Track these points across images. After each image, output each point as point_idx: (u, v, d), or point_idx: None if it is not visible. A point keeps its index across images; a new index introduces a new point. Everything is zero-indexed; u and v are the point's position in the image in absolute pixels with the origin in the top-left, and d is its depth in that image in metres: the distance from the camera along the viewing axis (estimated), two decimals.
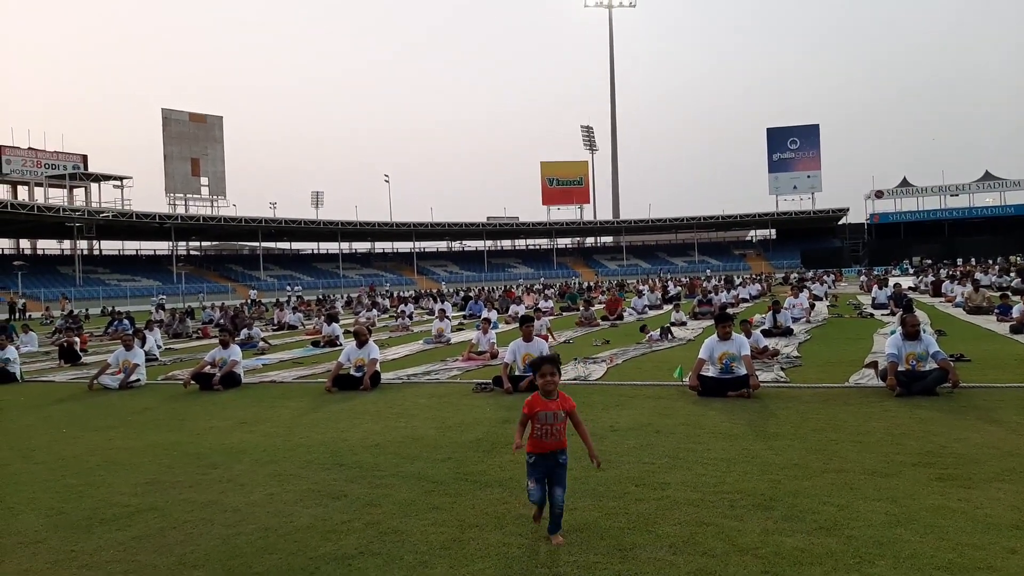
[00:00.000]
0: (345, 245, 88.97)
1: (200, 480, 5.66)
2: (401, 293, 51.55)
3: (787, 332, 15.16)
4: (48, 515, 4.92)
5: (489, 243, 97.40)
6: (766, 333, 14.12)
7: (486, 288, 53.74)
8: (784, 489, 4.80)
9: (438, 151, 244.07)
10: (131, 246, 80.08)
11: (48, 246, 75.93)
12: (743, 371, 8.43)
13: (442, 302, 30.73)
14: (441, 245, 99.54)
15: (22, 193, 71.66)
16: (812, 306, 21.24)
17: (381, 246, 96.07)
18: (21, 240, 74.75)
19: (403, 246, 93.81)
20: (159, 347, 17.58)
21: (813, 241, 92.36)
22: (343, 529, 4.37)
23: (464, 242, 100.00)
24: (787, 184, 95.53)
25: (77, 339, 18.04)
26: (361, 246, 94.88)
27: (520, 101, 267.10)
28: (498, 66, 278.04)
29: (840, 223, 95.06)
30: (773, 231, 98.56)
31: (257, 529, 4.44)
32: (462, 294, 40.84)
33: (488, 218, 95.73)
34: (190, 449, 6.80)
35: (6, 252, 71.99)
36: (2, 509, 5.11)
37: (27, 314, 43.25)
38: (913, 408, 7.30)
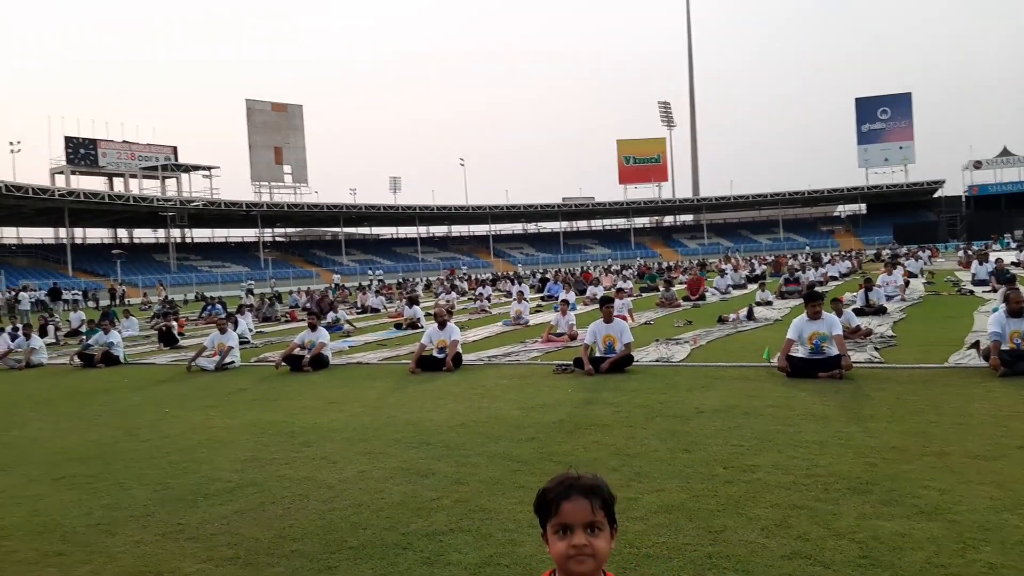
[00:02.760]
0: (423, 229, 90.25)
1: (295, 457, 5.87)
2: (478, 276, 51.98)
3: (880, 311, 14.59)
4: (155, 490, 5.19)
5: (565, 224, 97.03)
6: (858, 312, 13.60)
7: (563, 270, 53.64)
8: (881, 472, 4.64)
9: (513, 133, 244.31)
10: (220, 233, 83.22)
11: (143, 235, 79.71)
12: (834, 351, 8.16)
13: (520, 284, 30.84)
14: (517, 227, 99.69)
15: (118, 185, 75.25)
16: (907, 283, 20.36)
17: (457, 230, 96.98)
18: (119, 229, 78.70)
19: (479, 229, 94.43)
20: (251, 330, 18.25)
21: (906, 215, 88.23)
22: (433, 506, 4.46)
23: (540, 224, 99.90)
24: (877, 156, 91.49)
25: (175, 323, 18.93)
26: (438, 230, 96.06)
27: (595, 79, 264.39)
28: (572, 43, 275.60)
29: (935, 196, 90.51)
30: (863, 206, 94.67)
31: (351, 505, 4.58)
32: (539, 276, 40.87)
33: (564, 199, 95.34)
34: (284, 428, 7.06)
35: (105, 241, 75.96)
36: (113, 484, 5.42)
37: (126, 300, 45.55)
38: (1018, 389, 6.95)
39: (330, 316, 19.20)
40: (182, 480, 5.40)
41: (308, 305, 24.66)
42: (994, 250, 46.13)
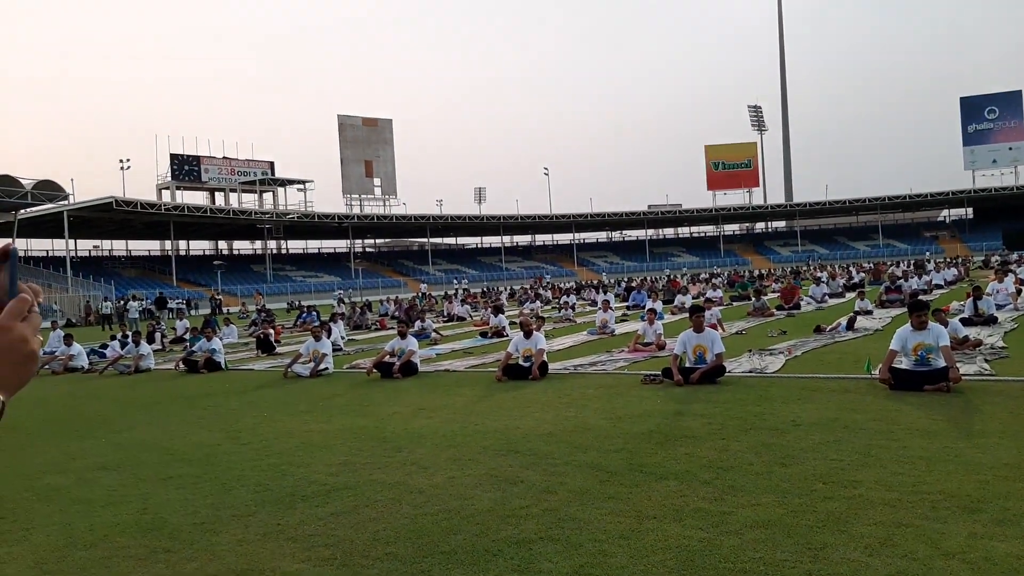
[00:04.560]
0: (507, 239, 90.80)
1: (387, 462, 5.99)
2: (562, 285, 51.87)
3: (990, 320, 13.77)
4: (256, 491, 5.39)
5: (651, 232, 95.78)
6: (965, 322, 12.89)
7: (649, 278, 52.96)
8: (994, 491, 4.38)
9: (598, 140, 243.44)
10: (313, 245, 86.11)
11: (242, 246, 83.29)
12: (941, 363, 7.75)
13: (604, 293, 30.61)
14: (601, 235, 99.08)
15: (219, 199, 78.89)
16: (1018, 291, 19.15)
17: (541, 238, 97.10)
18: (219, 241, 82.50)
19: (563, 238, 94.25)
20: (343, 338, 18.76)
21: (1017, 219, 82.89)
22: (522, 514, 4.46)
23: (624, 232, 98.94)
24: (985, 158, 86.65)
25: (272, 331, 19.66)
26: (522, 239, 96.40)
27: (683, 83, 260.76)
28: (661, 48, 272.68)
29: None
30: (970, 210, 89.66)
31: (441, 510, 4.64)
32: (624, 284, 40.48)
33: (649, 206, 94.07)
34: (376, 433, 7.21)
35: (207, 253, 79.70)
36: (217, 485, 5.65)
37: (224, 309, 47.52)
38: None
39: (417, 324, 19.55)
40: (281, 482, 5.59)
41: (397, 314, 25.18)
42: None
